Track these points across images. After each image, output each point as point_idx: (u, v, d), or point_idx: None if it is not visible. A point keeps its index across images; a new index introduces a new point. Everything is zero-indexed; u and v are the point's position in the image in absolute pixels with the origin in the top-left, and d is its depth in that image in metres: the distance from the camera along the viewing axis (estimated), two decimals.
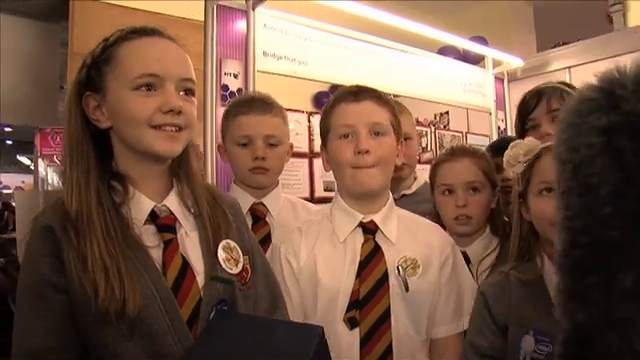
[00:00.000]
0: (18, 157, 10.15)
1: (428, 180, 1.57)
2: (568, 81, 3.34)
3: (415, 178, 1.76)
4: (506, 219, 1.43)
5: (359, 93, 1.18)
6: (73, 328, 0.83)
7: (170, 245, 0.90)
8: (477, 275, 1.35)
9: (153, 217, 0.92)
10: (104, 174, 0.91)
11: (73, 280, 0.81)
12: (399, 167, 1.66)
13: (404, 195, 1.70)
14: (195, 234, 0.95)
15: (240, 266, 0.97)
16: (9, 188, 10.08)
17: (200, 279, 0.90)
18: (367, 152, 1.13)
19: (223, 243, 0.96)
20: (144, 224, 0.91)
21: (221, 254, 0.95)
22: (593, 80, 0.55)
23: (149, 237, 0.90)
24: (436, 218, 1.44)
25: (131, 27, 0.94)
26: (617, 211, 0.47)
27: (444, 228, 1.41)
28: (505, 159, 1.17)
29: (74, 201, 0.86)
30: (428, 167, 3.34)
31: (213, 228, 0.96)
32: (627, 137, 0.48)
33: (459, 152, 1.44)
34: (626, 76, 0.51)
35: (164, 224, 0.92)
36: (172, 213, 0.93)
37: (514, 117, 1.55)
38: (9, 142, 9.76)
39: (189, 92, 0.94)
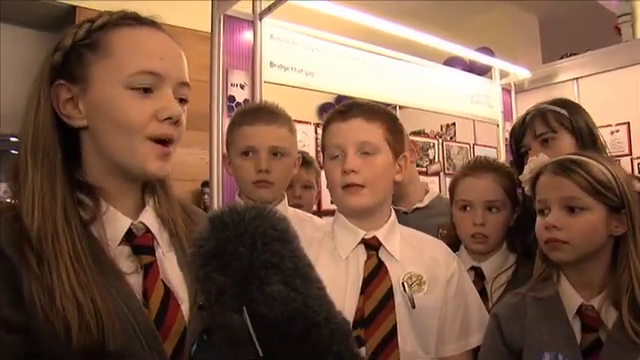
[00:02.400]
0: None
1: (447, 193, 1.53)
2: (575, 92, 3.33)
3: (427, 191, 1.72)
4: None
5: (346, 112, 1.15)
6: None
7: (151, 269, 0.77)
8: (491, 292, 1.31)
9: (129, 237, 0.78)
10: (70, 184, 0.75)
11: (37, 316, 0.66)
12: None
13: (417, 208, 1.66)
14: (172, 254, 0.82)
15: None
16: None
17: (184, 308, 0.78)
18: (353, 172, 1.10)
19: None
20: (118, 245, 0.77)
21: None
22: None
23: (124, 260, 0.76)
24: (452, 231, 1.40)
25: (122, 12, 0.79)
26: None
27: (459, 242, 1.38)
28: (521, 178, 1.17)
29: (36, 216, 0.70)
30: (436, 179, 3.36)
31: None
32: None
33: (481, 167, 1.38)
34: None
35: (142, 245, 0.79)
36: (149, 231, 0.81)
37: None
38: (14, 152, 9.76)
39: (183, 101, 0.81)
